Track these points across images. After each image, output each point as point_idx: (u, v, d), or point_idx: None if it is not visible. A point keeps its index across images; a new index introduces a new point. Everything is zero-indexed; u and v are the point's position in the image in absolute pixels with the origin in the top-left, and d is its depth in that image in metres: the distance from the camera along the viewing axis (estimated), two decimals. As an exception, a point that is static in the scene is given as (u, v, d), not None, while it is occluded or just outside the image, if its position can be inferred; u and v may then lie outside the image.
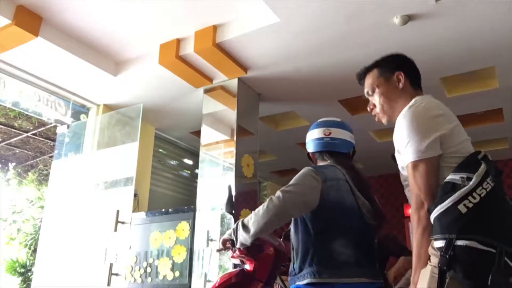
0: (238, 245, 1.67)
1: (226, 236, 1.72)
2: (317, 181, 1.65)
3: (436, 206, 1.21)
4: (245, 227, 1.63)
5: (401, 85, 1.58)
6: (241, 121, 3.54)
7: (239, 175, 3.35)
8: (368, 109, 1.67)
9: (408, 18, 2.77)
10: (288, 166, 6.17)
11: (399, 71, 1.59)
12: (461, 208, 1.15)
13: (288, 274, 1.73)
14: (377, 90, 1.61)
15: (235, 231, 1.67)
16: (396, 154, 1.52)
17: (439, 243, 1.18)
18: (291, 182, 1.67)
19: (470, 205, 1.15)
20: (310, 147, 1.92)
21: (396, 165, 1.53)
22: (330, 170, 1.74)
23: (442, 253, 1.15)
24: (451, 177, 1.24)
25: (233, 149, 3.41)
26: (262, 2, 2.69)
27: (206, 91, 3.76)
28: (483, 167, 1.21)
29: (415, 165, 1.36)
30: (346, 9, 2.72)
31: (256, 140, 3.72)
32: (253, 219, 1.61)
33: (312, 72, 3.51)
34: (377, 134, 4.99)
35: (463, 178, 1.20)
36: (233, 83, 3.59)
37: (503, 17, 2.78)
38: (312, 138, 1.90)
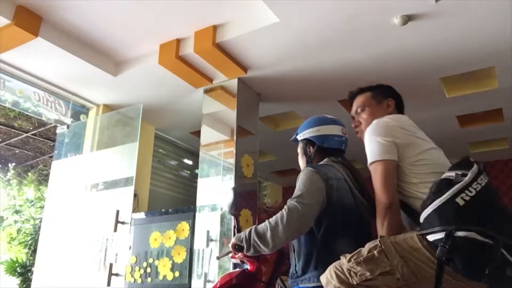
0: (250, 253, 1.62)
1: (236, 241, 1.66)
2: (322, 182, 1.64)
3: (433, 201, 1.26)
4: (262, 239, 1.56)
5: (390, 109, 1.79)
6: (241, 121, 3.54)
7: (239, 175, 3.35)
8: (353, 125, 1.86)
9: (408, 18, 2.77)
10: (288, 166, 6.17)
11: (390, 98, 1.82)
12: (459, 200, 1.21)
13: (289, 276, 1.71)
14: (367, 109, 1.80)
15: (247, 238, 1.60)
16: None
17: (437, 236, 1.22)
18: (302, 190, 1.62)
19: (467, 198, 1.21)
20: (327, 143, 1.85)
21: None
22: (329, 170, 1.73)
23: (441, 244, 1.19)
24: (447, 174, 1.31)
25: (233, 149, 3.41)
26: (262, 2, 2.69)
27: (206, 91, 3.76)
28: (476, 166, 1.29)
29: (372, 166, 1.54)
30: (346, 9, 2.72)
31: (256, 140, 3.72)
32: (271, 232, 1.54)
33: (312, 72, 3.51)
34: (377, 134, 4.98)
35: (458, 175, 1.27)
36: (233, 83, 3.59)
37: (503, 17, 2.78)
38: (332, 133, 1.87)
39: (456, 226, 1.18)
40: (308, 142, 1.90)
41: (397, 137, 1.55)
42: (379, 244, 1.33)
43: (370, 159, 1.56)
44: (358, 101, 1.86)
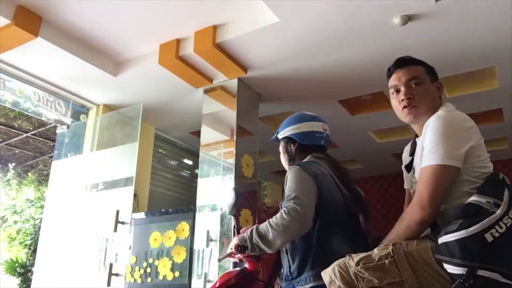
0: (255, 253, 1.61)
1: (238, 241, 1.64)
2: (311, 179, 1.62)
3: (460, 229, 1.16)
4: (264, 240, 1.55)
5: (440, 94, 1.58)
6: (241, 121, 3.54)
7: (239, 175, 3.35)
8: (403, 98, 1.54)
9: (408, 18, 2.77)
10: (288, 166, 6.15)
11: (438, 81, 1.61)
12: (488, 236, 1.12)
13: (283, 279, 1.68)
14: (424, 85, 1.55)
15: (250, 238, 1.59)
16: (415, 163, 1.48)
17: (457, 270, 1.14)
18: (295, 190, 1.58)
19: (497, 234, 1.12)
20: (308, 139, 1.83)
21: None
22: (315, 166, 1.71)
23: (461, 280, 1.13)
24: (476, 199, 1.21)
25: (233, 149, 3.41)
26: (262, 2, 2.69)
27: (206, 91, 3.76)
28: (507, 193, 1.20)
29: (435, 168, 1.32)
30: (346, 9, 2.72)
31: (256, 140, 3.72)
32: (272, 233, 1.53)
33: (312, 72, 3.51)
34: (377, 134, 4.98)
35: (491, 204, 1.17)
36: (233, 83, 3.59)
37: (503, 17, 2.78)
38: (312, 130, 1.85)
39: (480, 264, 1.10)
40: (289, 140, 1.88)
41: (472, 139, 1.36)
42: (391, 254, 1.25)
43: (433, 159, 1.33)
44: (411, 72, 1.56)
